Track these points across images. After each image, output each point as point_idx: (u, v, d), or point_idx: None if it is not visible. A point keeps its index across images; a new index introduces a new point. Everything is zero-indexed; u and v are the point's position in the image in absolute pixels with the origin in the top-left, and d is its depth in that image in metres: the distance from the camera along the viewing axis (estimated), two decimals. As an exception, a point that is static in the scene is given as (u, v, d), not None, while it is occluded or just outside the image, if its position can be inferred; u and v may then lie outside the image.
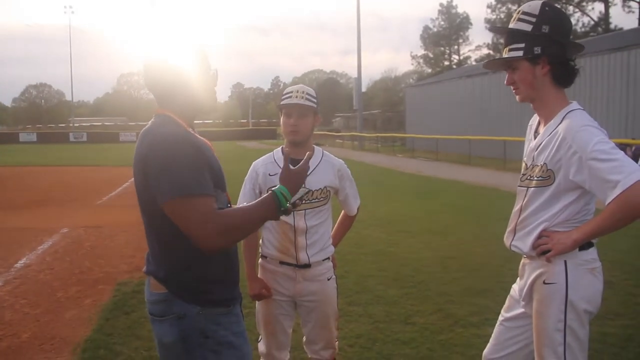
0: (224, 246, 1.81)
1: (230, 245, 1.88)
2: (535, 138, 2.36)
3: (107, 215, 10.54)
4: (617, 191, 1.96)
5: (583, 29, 53.00)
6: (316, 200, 2.87)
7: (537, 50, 2.21)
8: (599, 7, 53.55)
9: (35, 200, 12.77)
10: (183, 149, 1.81)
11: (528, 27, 2.22)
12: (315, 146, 2.99)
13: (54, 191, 14.55)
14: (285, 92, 2.91)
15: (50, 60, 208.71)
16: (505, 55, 2.30)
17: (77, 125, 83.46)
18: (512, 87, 2.34)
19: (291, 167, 1.96)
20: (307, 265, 2.87)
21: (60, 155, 32.45)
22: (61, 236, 8.58)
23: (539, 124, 2.39)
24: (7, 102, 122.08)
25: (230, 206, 2.03)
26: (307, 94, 2.84)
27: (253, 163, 3.00)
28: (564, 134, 2.14)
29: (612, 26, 50.84)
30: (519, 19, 2.25)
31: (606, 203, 2.02)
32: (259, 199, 1.90)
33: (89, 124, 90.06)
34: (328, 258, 2.96)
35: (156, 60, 1.98)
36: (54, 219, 10.20)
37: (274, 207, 1.86)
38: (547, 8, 2.22)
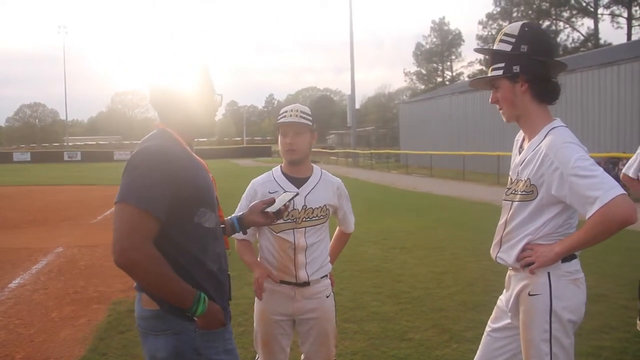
0: (131, 266, 1.78)
1: (134, 270, 1.80)
2: (520, 153, 2.44)
3: (102, 234, 10.49)
4: (596, 206, 2.03)
5: (573, 45, 53.70)
6: (316, 218, 2.88)
7: (516, 69, 2.30)
8: (588, 22, 54.48)
9: (29, 219, 12.73)
10: (155, 162, 1.84)
11: (508, 48, 2.32)
12: (313, 165, 3.02)
13: (48, 210, 14.49)
14: (281, 111, 2.94)
15: (44, 80, 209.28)
16: (488, 74, 2.40)
17: (72, 144, 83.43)
18: (497, 106, 2.43)
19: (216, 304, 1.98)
20: (307, 283, 2.87)
21: (54, 175, 32.36)
22: (55, 256, 8.54)
23: (524, 139, 2.47)
24: (1, 122, 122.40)
25: (224, 226, 2.04)
26: (302, 112, 2.87)
27: (252, 181, 3.01)
28: (546, 150, 2.21)
29: (601, 41, 51.52)
30: (501, 40, 2.36)
31: (586, 217, 2.09)
32: (189, 286, 1.88)
33: (83, 143, 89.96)
34: (326, 275, 2.97)
35: (158, 79, 2.03)
36: (48, 238, 10.16)
37: (189, 302, 1.87)
38: (526, 29, 2.32)
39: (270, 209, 2.39)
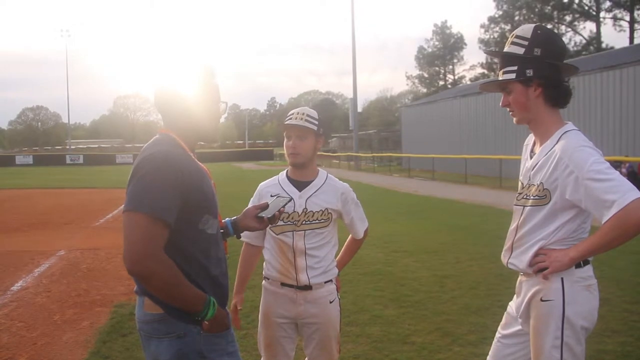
0: (148, 275, 1.77)
1: (150, 279, 1.79)
2: (531, 158, 2.40)
3: (104, 237, 10.51)
4: (613, 210, 1.99)
5: (575, 48, 53.57)
6: (317, 221, 2.87)
7: (529, 72, 2.26)
8: (591, 26, 54.31)
9: (32, 222, 12.74)
10: (164, 169, 1.83)
11: (520, 50, 2.28)
12: (319, 169, 3.01)
13: (51, 213, 14.51)
14: (288, 113, 2.94)
15: (46, 83, 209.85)
16: (499, 78, 2.36)
17: (74, 147, 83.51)
18: (508, 109, 2.39)
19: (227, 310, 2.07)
20: (308, 287, 2.86)
21: (56, 178, 32.38)
22: (58, 258, 8.55)
23: (534, 143, 2.43)
24: (4, 125, 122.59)
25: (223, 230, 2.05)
26: (308, 115, 2.86)
27: (260, 185, 3.03)
28: (560, 154, 2.17)
29: (603, 45, 51.42)
30: (513, 43, 2.31)
31: (602, 222, 2.05)
32: (200, 291, 1.90)
33: (85, 146, 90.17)
34: (331, 280, 2.95)
35: (165, 84, 2.04)
36: (50, 241, 10.16)
37: (200, 306, 1.89)
38: (539, 31, 2.28)
39: (264, 214, 2.39)
